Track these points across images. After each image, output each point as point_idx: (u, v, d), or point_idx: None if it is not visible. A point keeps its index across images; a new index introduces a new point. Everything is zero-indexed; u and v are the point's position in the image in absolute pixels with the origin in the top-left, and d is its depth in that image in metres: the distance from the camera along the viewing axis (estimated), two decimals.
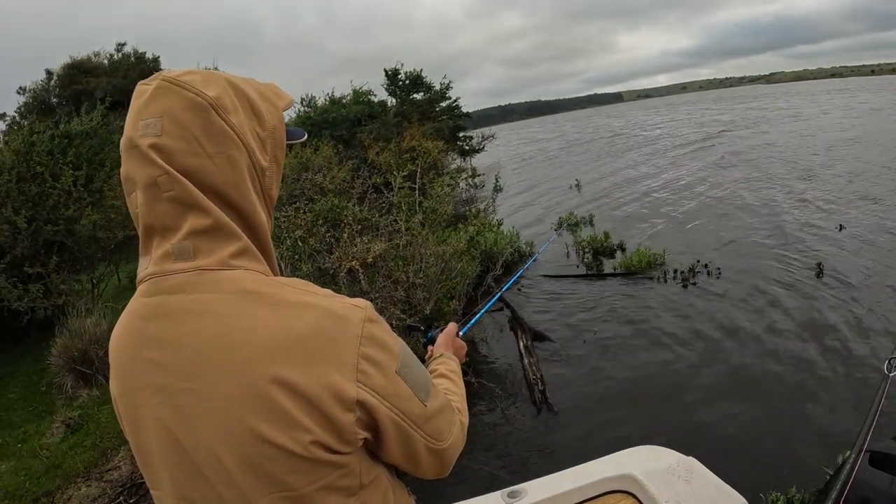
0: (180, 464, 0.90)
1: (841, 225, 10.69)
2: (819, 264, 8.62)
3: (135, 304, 0.95)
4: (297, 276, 0.97)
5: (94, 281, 9.51)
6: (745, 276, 8.74)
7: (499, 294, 2.60)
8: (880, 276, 8.08)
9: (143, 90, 0.92)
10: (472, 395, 5.98)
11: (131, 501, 4.37)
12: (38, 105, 22.31)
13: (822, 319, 6.95)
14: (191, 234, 0.89)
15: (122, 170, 0.93)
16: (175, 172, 0.88)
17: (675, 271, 9.22)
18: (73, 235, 8.42)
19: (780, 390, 5.62)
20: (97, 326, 6.69)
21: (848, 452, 3.69)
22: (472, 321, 2.08)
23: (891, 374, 2.80)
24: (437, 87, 22.45)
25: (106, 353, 1.00)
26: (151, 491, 1.00)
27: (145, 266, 0.93)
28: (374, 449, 1.00)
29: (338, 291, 0.95)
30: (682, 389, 5.90)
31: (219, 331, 0.86)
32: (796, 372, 5.90)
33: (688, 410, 5.52)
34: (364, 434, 0.93)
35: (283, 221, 6.60)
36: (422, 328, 1.78)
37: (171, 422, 0.89)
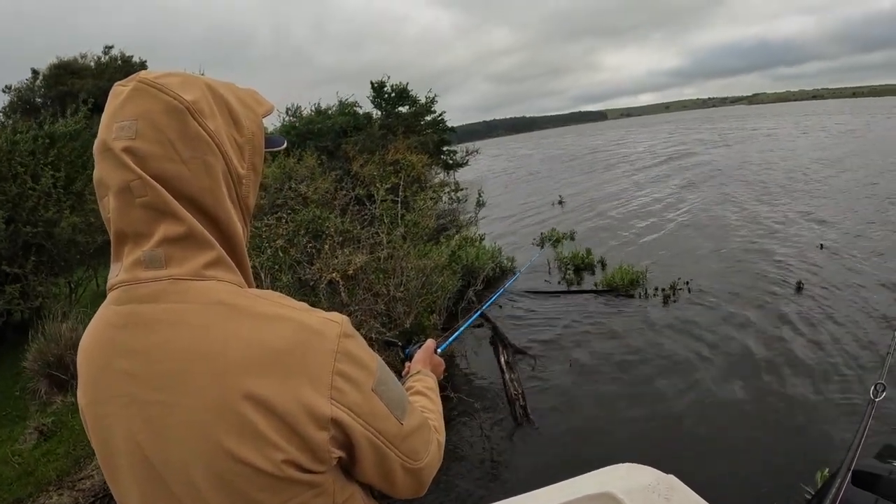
0: (148, 478, 0.88)
1: (821, 244, 10.88)
2: (799, 282, 8.74)
3: (105, 311, 0.93)
4: (277, 287, 0.96)
5: (72, 285, 9.40)
6: (726, 295, 8.81)
7: (479, 311, 2.60)
8: (860, 295, 8.23)
9: (119, 91, 0.90)
10: (452, 410, 5.98)
11: None
12: (23, 104, 22.09)
13: (805, 340, 7.01)
14: (163, 241, 0.87)
15: (95, 173, 0.91)
16: (148, 178, 0.85)
17: (657, 288, 9.27)
18: (52, 238, 8.31)
19: (762, 410, 5.65)
20: (73, 331, 6.61)
21: (826, 471, 3.74)
22: (452, 338, 2.05)
23: (877, 400, 2.83)
24: (423, 100, 22.53)
25: None
26: None
27: (116, 273, 0.91)
28: (348, 468, 0.97)
29: (318, 303, 0.94)
30: (663, 407, 5.91)
31: (191, 342, 0.84)
32: (778, 392, 5.93)
33: (669, 428, 5.53)
34: (338, 453, 0.91)
35: (265, 231, 6.57)
36: (400, 344, 1.75)
37: (139, 434, 0.86)
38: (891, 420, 4.98)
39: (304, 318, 0.89)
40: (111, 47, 24.57)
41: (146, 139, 0.86)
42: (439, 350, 1.65)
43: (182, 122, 0.87)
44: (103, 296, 0.95)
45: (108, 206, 0.89)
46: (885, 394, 2.80)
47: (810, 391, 5.87)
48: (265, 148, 1.05)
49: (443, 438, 1.17)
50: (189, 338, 0.84)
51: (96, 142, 0.89)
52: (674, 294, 9.00)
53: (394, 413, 0.98)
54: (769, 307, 8.15)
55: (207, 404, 0.82)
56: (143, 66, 24.60)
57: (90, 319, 0.97)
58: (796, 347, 6.84)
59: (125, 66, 23.54)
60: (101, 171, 0.89)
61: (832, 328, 7.24)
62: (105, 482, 0.96)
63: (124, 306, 0.89)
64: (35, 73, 23.07)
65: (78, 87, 20.37)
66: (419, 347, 1.60)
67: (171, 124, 0.87)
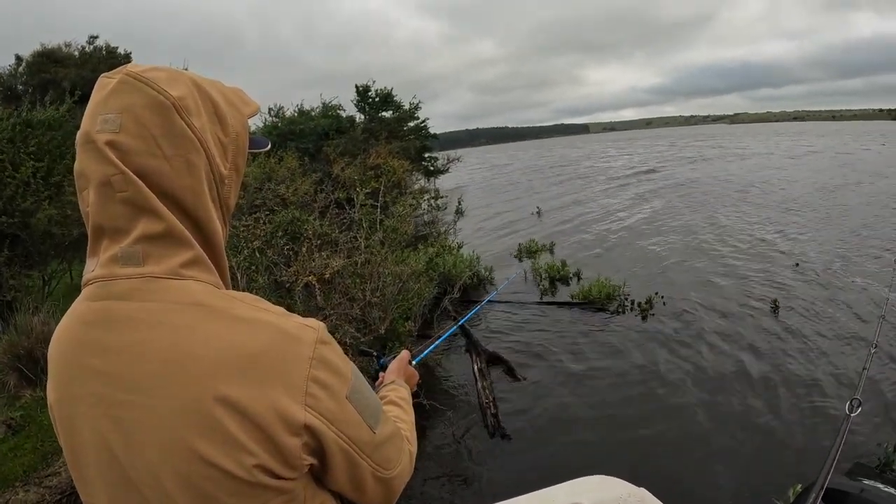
0: (116, 479, 0.86)
1: (797, 262, 11.09)
2: (775, 301, 8.85)
3: (79, 306, 0.91)
4: (254, 288, 0.96)
5: (46, 278, 9.22)
6: (703, 310, 8.92)
7: (457, 325, 2.61)
8: (835, 312, 8.44)
9: (105, 83, 0.88)
10: (425, 417, 5.96)
11: None
12: (4, 91, 21.72)
13: (781, 356, 7.12)
14: (141, 238, 0.86)
15: (76, 165, 0.90)
16: (130, 173, 0.84)
17: (633, 302, 9.34)
18: (27, 229, 8.13)
19: (737, 425, 5.70)
20: (45, 325, 6.50)
21: (799, 486, 3.78)
22: (427, 350, 2.05)
23: (852, 415, 2.87)
24: (407, 106, 22.52)
25: None
26: None
27: (92, 268, 0.89)
28: (319, 475, 0.95)
29: (293, 306, 0.93)
30: (636, 420, 5.94)
31: (165, 342, 0.83)
32: (753, 407, 6.00)
33: (641, 441, 5.56)
34: (310, 460, 0.89)
35: (242, 231, 6.52)
36: (375, 353, 1.76)
37: (109, 434, 0.85)
38: (867, 434, 5.09)
39: (281, 323, 0.88)
40: (96, 37, 24.20)
41: (130, 134, 0.85)
42: (414, 362, 1.65)
43: (167, 118, 0.87)
44: (77, 290, 0.94)
45: (88, 200, 0.88)
46: (860, 409, 2.86)
47: (785, 406, 5.95)
48: (249, 149, 1.03)
49: (415, 449, 1.17)
50: (163, 338, 0.83)
51: (79, 133, 0.88)
52: (650, 308, 9.07)
53: (367, 421, 0.97)
54: (745, 323, 8.27)
55: (180, 406, 0.81)
56: (127, 58, 24.26)
57: (63, 313, 0.96)
58: (772, 363, 6.95)
59: (109, 58, 23.20)
60: (83, 164, 0.88)
61: (808, 344, 7.38)
62: (72, 479, 0.95)
63: (99, 303, 0.87)
64: (19, 59, 22.66)
65: (61, 76, 20.06)
66: (394, 358, 1.60)
67: (156, 120, 0.86)
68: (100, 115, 0.86)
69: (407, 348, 1.72)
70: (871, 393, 5.83)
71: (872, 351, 3.68)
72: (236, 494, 0.83)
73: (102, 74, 0.91)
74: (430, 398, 6.16)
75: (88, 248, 0.92)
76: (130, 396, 0.83)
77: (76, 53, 23.60)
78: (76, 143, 0.89)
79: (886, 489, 2.62)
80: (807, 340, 7.51)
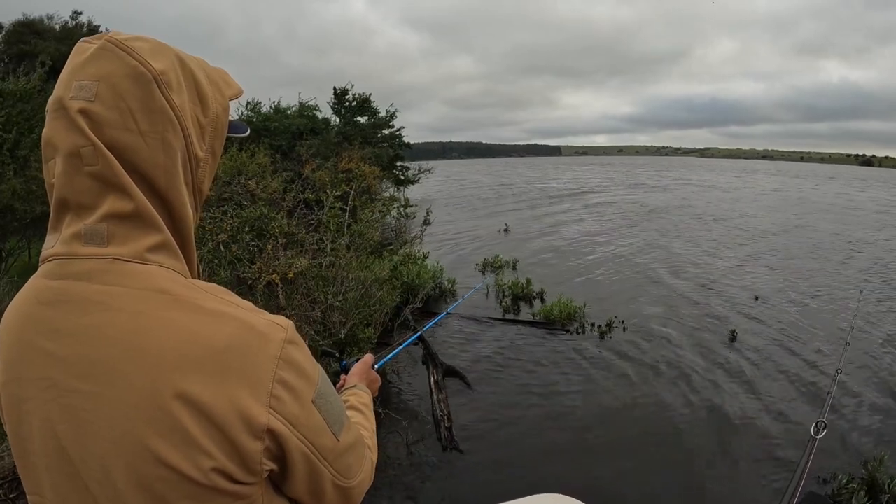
0: (63, 472, 0.81)
1: (756, 296, 11.32)
2: (733, 331, 9.03)
3: (35, 284, 0.86)
4: (215, 283, 0.90)
5: (3, 254, 9.04)
6: (664, 333, 9.09)
7: (419, 333, 2.60)
8: (798, 338, 8.79)
9: (83, 48, 0.84)
10: (379, 427, 5.89)
11: (11, 496, 4.11)
12: None
13: (744, 381, 7.29)
14: (108, 216, 0.81)
15: (45, 132, 0.84)
16: (101, 145, 0.80)
17: (593, 324, 9.41)
18: None
19: (697, 448, 5.77)
20: None
21: None
22: (390, 356, 2.03)
23: (818, 437, 2.91)
24: (383, 113, 22.50)
25: None
26: (28, 496, 0.89)
27: (52, 244, 0.85)
28: (277, 481, 0.91)
29: (254, 304, 0.89)
30: (590, 440, 5.96)
31: (124, 330, 0.78)
32: (716, 430, 6.10)
33: (596, 461, 5.57)
34: (270, 465, 0.85)
35: (209, 223, 6.43)
36: (337, 355, 1.73)
37: (58, 423, 0.80)
38: (831, 456, 5.19)
39: (249, 319, 0.84)
40: (80, 13, 23.95)
41: (105, 104, 0.80)
42: (376, 366, 1.62)
43: (146, 91, 0.82)
44: (35, 269, 0.88)
45: (53, 171, 0.83)
46: (825, 432, 2.90)
47: (751, 430, 6.07)
48: (228, 133, 1.00)
49: (375, 457, 1.14)
50: (122, 325, 0.79)
51: (51, 98, 0.83)
52: (609, 331, 9.15)
53: (331, 428, 0.93)
54: (706, 348, 8.48)
55: (135, 400, 0.77)
56: None
57: (17, 291, 0.91)
58: (735, 388, 7.10)
59: (91, 35, 22.97)
60: (52, 131, 0.83)
61: (769, 372, 7.60)
62: (15, 465, 0.89)
63: (56, 281, 0.82)
64: None
65: (40, 49, 19.74)
66: (356, 361, 1.56)
67: (135, 92, 0.82)
68: (75, 82, 0.81)
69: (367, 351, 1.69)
70: (835, 415, 6.03)
71: (837, 376, 3.77)
72: (189, 497, 0.79)
73: (82, 39, 0.86)
74: (384, 406, 6.12)
75: (50, 221, 0.87)
76: (83, 385, 0.79)
77: (57, 27, 23.25)
78: (47, 109, 0.84)
79: None
80: (768, 368, 7.73)
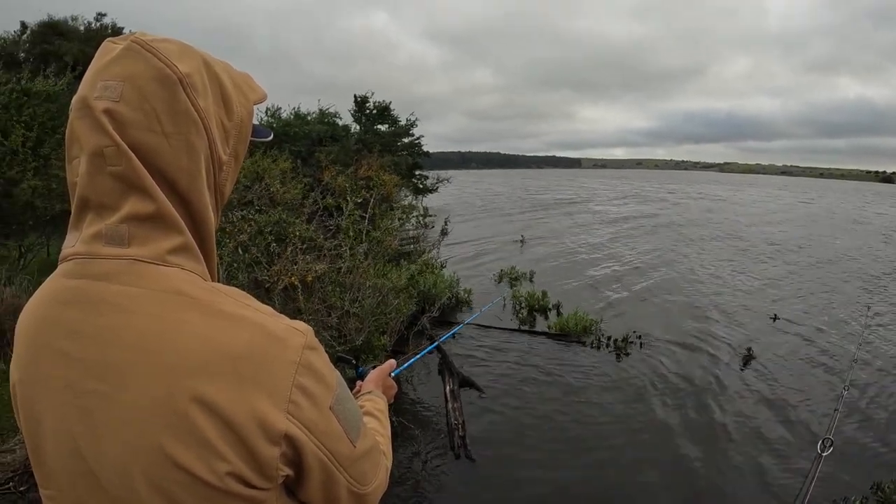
0: (77, 472, 0.81)
1: (775, 314, 11.20)
2: (749, 349, 8.97)
3: (54, 283, 0.86)
4: (232, 285, 0.89)
5: (22, 250, 9.12)
6: (679, 351, 9.02)
7: (437, 343, 2.59)
8: (808, 357, 8.79)
9: (109, 48, 0.84)
10: (392, 435, 5.91)
11: (21, 489, 4.15)
12: (6, 57, 21.49)
13: (755, 399, 7.26)
14: (129, 217, 0.81)
15: (68, 131, 0.84)
16: (125, 146, 0.79)
17: (609, 338, 9.37)
18: (10, 198, 8.02)
19: (707, 463, 5.74)
20: (16, 297, 6.39)
21: None
22: (407, 363, 2.01)
23: (824, 454, 2.90)
24: (403, 122, 22.59)
25: None
26: (41, 490, 0.88)
27: (72, 243, 0.84)
28: (292, 486, 0.90)
29: (271, 307, 0.88)
30: (602, 458, 5.91)
31: (142, 332, 0.78)
32: (725, 447, 6.06)
33: (605, 480, 5.53)
34: (286, 470, 0.84)
35: (228, 226, 6.45)
36: (353, 361, 1.72)
37: (73, 424, 0.80)
38: (838, 471, 5.12)
39: (269, 324, 0.84)
40: (104, 15, 24.17)
41: (130, 104, 0.80)
42: (393, 374, 1.61)
43: (172, 93, 0.82)
44: (53, 266, 0.88)
45: (76, 170, 0.83)
46: (832, 448, 2.88)
47: (758, 446, 6.04)
48: (251, 137, 1.00)
49: (390, 464, 1.13)
50: (141, 326, 0.78)
51: (76, 97, 0.83)
52: (626, 347, 9.08)
53: (348, 434, 0.93)
54: (721, 367, 8.41)
55: (152, 403, 0.76)
56: None
57: (35, 288, 0.91)
58: (745, 405, 7.08)
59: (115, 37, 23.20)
60: (76, 131, 0.83)
61: (779, 388, 7.56)
62: (27, 459, 0.89)
63: (75, 281, 0.82)
64: (24, 26, 22.47)
65: (64, 50, 19.92)
66: (373, 368, 1.55)
67: (160, 94, 0.81)
68: (100, 82, 0.81)
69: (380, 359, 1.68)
70: (842, 433, 5.95)
71: (844, 393, 3.74)
72: (204, 501, 0.79)
73: (108, 38, 0.86)
74: (397, 415, 6.10)
75: (71, 220, 0.86)
76: (100, 386, 0.78)
77: (81, 28, 23.46)
78: (71, 108, 0.84)
79: None
80: (778, 385, 7.69)
